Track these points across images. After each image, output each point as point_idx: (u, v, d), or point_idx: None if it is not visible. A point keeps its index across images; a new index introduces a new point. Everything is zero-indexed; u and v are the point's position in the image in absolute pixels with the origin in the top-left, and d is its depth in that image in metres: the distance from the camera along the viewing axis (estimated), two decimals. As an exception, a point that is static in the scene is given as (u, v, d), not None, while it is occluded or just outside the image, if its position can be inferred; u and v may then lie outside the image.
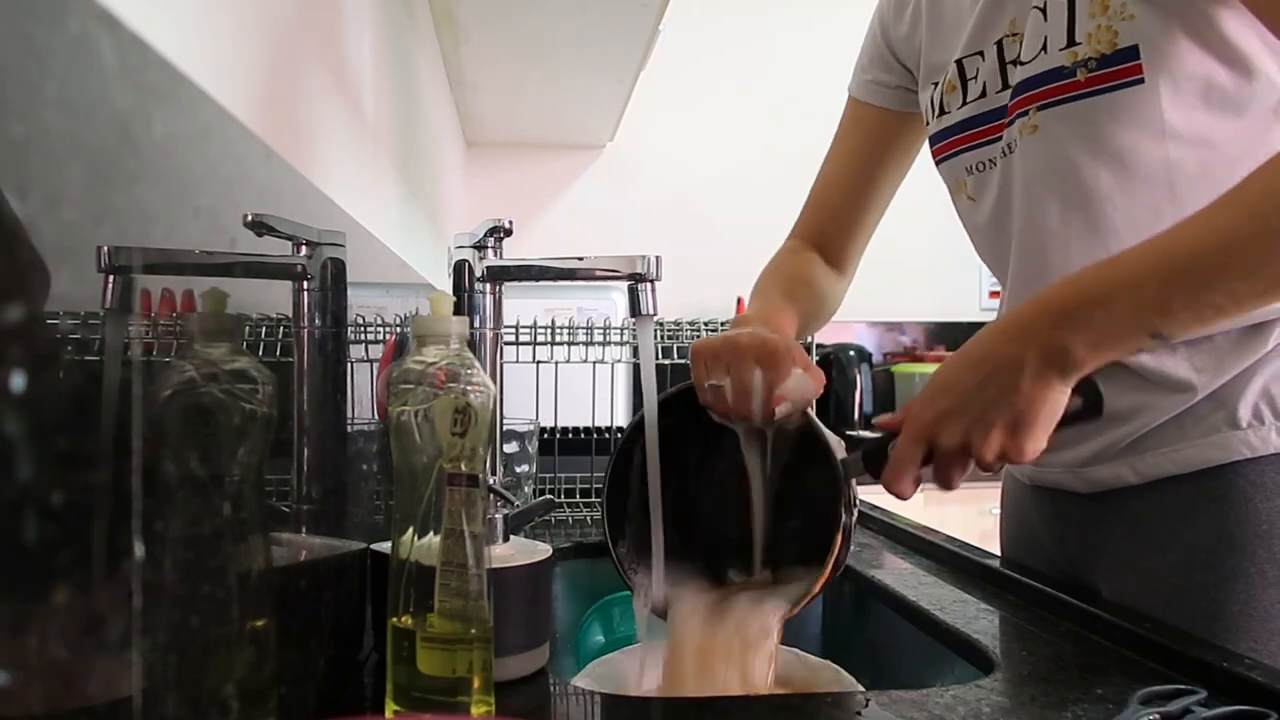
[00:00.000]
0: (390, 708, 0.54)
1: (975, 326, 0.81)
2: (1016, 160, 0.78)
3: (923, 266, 2.56)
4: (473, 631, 0.53)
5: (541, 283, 0.81)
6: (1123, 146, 0.71)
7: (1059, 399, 0.62)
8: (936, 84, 0.87)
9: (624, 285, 0.76)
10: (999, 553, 1.00)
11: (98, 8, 0.32)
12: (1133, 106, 0.70)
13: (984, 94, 0.81)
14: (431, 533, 0.53)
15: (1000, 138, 0.80)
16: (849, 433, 2.33)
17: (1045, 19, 0.73)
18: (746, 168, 2.58)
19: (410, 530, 0.54)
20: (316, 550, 0.62)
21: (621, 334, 1.32)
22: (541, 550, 0.70)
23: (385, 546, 0.59)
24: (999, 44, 0.78)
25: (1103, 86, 0.70)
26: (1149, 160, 0.71)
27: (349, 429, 0.68)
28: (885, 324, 2.65)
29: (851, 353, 2.37)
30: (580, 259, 0.77)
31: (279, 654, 0.43)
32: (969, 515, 1.97)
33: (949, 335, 2.61)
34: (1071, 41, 0.71)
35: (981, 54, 0.81)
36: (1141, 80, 0.69)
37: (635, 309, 0.74)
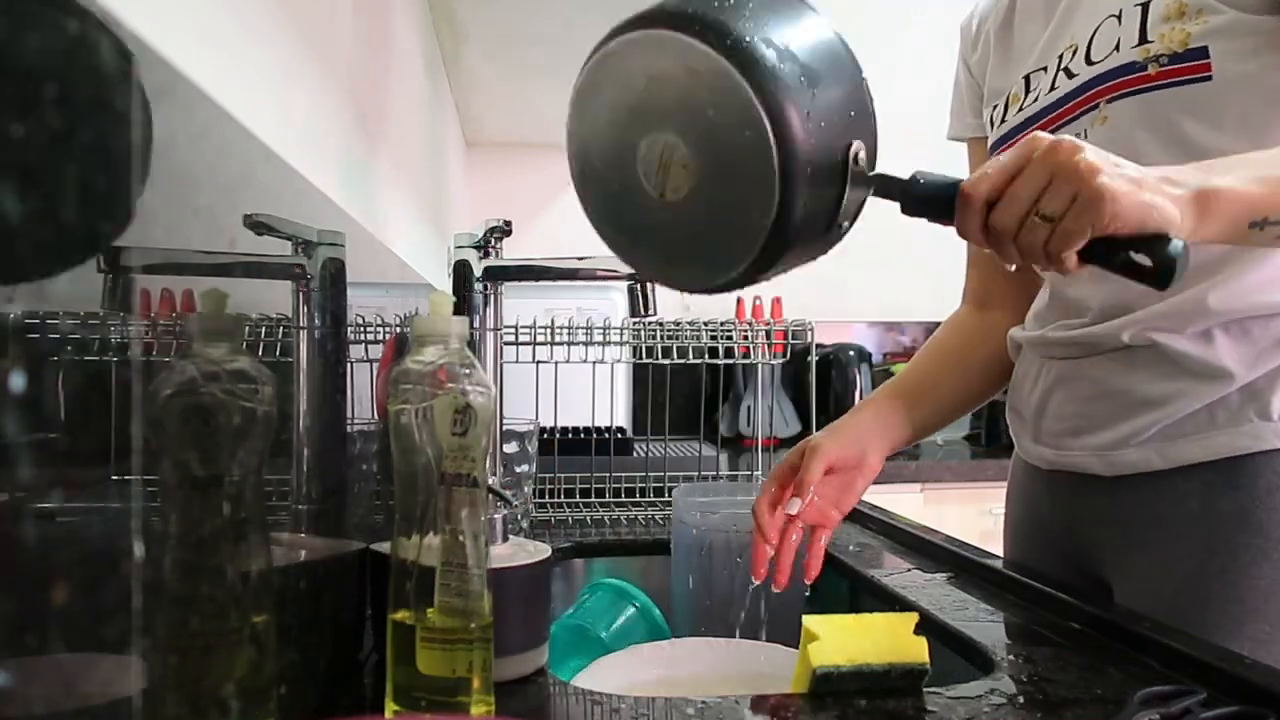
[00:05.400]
0: (390, 708, 0.54)
1: (975, 326, 0.82)
2: None
3: (922, 266, 2.56)
4: (472, 627, 0.53)
5: (541, 283, 0.81)
6: (1188, 136, 0.75)
7: (1157, 213, 0.57)
8: (997, 105, 0.93)
9: (624, 285, 0.76)
10: (1001, 549, 1.00)
11: (98, 8, 0.32)
12: (1199, 101, 0.74)
13: (1036, 99, 0.86)
14: (431, 533, 0.53)
15: (1055, 131, 0.83)
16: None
17: (1120, 23, 0.78)
18: (746, 168, 2.58)
19: (410, 530, 0.54)
20: (316, 550, 0.62)
21: (621, 334, 1.32)
22: (541, 550, 0.70)
23: (385, 546, 0.59)
24: (1060, 56, 0.84)
25: (1172, 80, 0.74)
26: (1211, 151, 0.73)
27: (349, 429, 0.68)
28: (885, 324, 2.65)
29: (851, 353, 2.37)
30: (580, 259, 0.77)
31: (279, 654, 0.43)
32: (969, 515, 1.97)
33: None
34: (1144, 40, 0.76)
35: (1045, 69, 0.86)
36: (1209, 77, 0.73)
37: (635, 309, 0.74)
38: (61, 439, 0.30)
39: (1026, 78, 0.89)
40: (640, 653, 0.79)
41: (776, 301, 2.48)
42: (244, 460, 0.40)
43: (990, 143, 0.94)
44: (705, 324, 1.33)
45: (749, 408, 2.29)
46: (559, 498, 1.35)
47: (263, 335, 0.52)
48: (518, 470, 1.16)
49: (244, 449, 0.40)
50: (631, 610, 0.92)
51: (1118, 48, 0.78)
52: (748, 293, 2.59)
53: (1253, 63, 0.72)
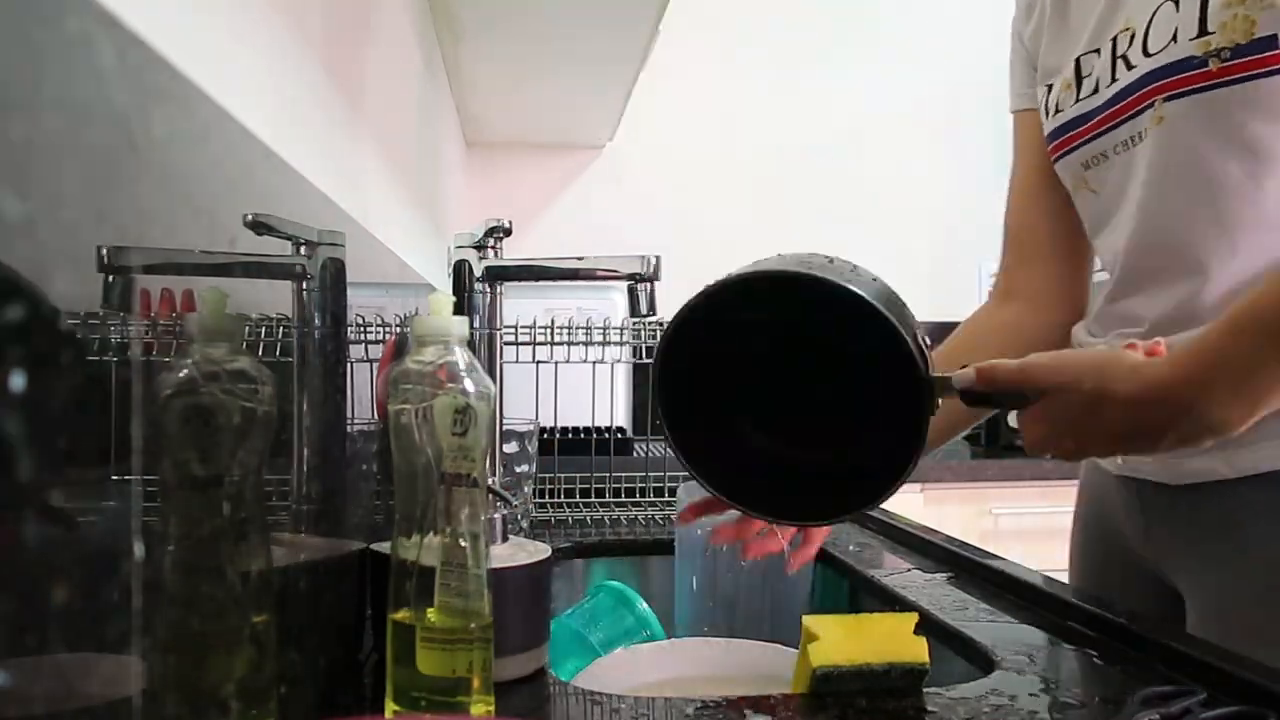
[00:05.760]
0: (390, 708, 0.54)
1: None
2: (1142, 153, 0.77)
3: (923, 266, 2.56)
4: (472, 627, 0.53)
5: (541, 283, 0.81)
6: (1255, 137, 0.70)
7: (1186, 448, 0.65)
8: (1051, 85, 0.88)
9: (624, 285, 0.76)
10: (1006, 551, 0.99)
11: (98, 8, 0.32)
12: (1267, 96, 0.69)
13: (1096, 90, 0.81)
14: (431, 533, 0.53)
15: (1113, 130, 0.80)
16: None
17: (1177, 9, 0.72)
18: (746, 167, 2.58)
19: (410, 530, 0.54)
20: (316, 550, 0.62)
21: (621, 334, 1.31)
22: (541, 550, 0.70)
23: (385, 546, 0.59)
24: (1114, 40, 0.79)
25: (1236, 76, 0.69)
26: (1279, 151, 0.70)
27: (349, 429, 0.68)
28: (885, 324, 2.65)
29: (852, 353, 2.36)
30: (580, 259, 0.77)
31: (279, 654, 0.43)
32: (969, 515, 1.97)
33: (949, 335, 2.59)
34: (1204, 31, 0.70)
35: (1098, 51, 0.81)
36: (1279, 70, 0.68)
37: (635, 309, 0.74)
38: (61, 439, 0.30)
39: (1078, 61, 0.83)
40: (640, 653, 0.79)
41: (776, 301, 2.48)
42: (244, 460, 0.40)
43: (1047, 132, 0.89)
44: (705, 324, 1.32)
45: (749, 408, 2.28)
46: (559, 498, 1.35)
47: (263, 335, 0.52)
48: (518, 470, 1.17)
49: (244, 449, 0.40)
50: (630, 619, 0.92)
51: (1175, 38, 0.71)
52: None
53: None
